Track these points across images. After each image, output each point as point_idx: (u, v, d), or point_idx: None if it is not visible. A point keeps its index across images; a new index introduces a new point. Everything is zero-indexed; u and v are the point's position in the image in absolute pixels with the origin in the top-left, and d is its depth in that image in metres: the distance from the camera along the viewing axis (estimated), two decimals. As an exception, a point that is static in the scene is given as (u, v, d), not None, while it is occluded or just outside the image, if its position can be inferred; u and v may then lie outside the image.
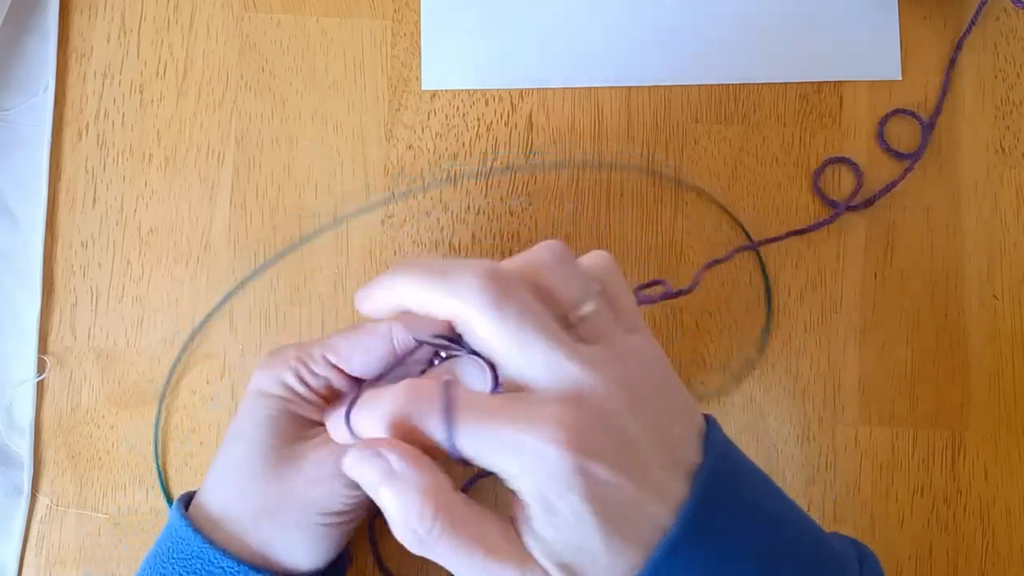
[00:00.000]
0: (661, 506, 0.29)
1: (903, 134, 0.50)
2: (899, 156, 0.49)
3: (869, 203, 0.49)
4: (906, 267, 0.49)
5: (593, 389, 0.28)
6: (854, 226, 0.49)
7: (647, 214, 0.49)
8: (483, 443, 0.28)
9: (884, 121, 0.50)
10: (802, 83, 0.50)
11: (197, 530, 0.35)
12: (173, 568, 0.35)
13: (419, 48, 0.50)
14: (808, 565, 0.31)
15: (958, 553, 0.48)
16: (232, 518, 0.36)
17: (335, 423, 0.34)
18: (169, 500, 0.47)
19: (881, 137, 0.50)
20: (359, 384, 0.38)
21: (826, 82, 0.50)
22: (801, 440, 0.48)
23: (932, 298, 0.49)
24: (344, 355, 0.37)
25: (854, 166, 0.49)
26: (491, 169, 0.50)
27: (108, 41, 0.50)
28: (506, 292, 0.28)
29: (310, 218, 0.49)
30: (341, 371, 0.37)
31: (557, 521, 0.28)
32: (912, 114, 0.50)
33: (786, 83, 0.50)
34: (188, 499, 0.38)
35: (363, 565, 0.47)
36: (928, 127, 0.49)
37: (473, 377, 0.31)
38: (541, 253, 0.31)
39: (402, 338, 0.36)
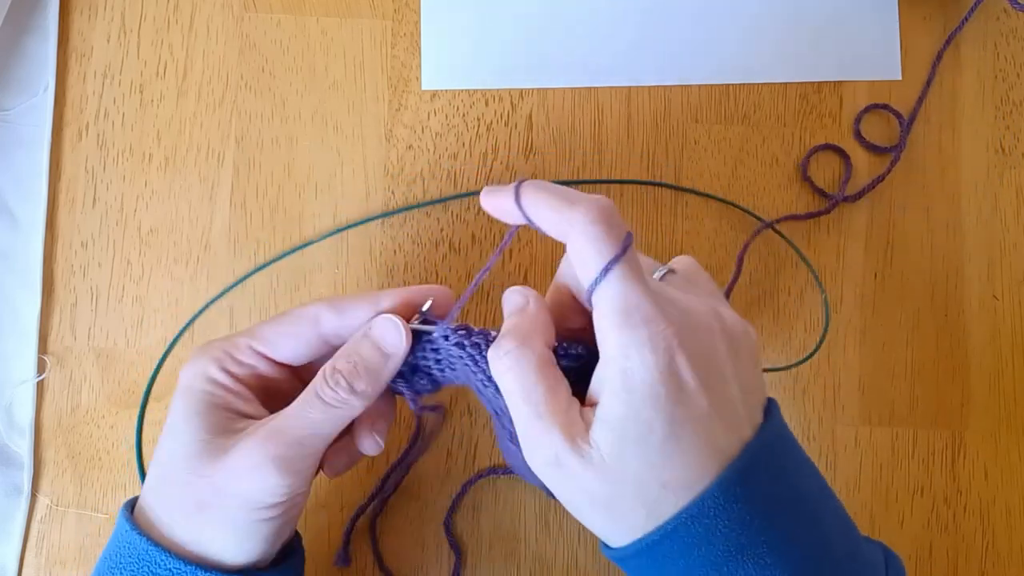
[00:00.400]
0: (728, 435, 0.31)
1: (894, 131, 0.50)
2: (879, 150, 0.50)
3: (861, 195, 0.49)
4: (906, 267, 0.49)
5: (692, 311, 0.32)
6: (854, 227, 0.49)
7: (647, 214, 0.49)
8: (620, 288, 0.31)
9: (859, 118, 0.50)
10: (802, 83, 0.50)
11: (142, 532, 0.35)
12: (116, 565, 0.35)
13: (419, 48, 0.50)
14: (847, 543, 0.34)
15: (958, 553, 0.48)
16: (166, 514, 0.35)
17: (507, 199, 0.34)
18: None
19: (859, 133, 0.50)
20: (288, 371, 0.38)
21: (826, 82, 0.50)
22: (801, 440, 0.48)
23: (932, 298, 0.49)
24: (271, 341, 0.37)
25: (844, 155, 0.49)
26: (491, 169, 0.50)
27: (108, 41, 0.50)
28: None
29: (310, 218, 0.49)
30: (268, 358, 0.37)
31: (628, 410, 0.30)
32: (889, 109, 0.50)
33: (786, 83, 0.50)
34: (134, 503, 0.38)
35: (364, 565, 0.47)
36: (908, 121, 0.49)
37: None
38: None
39: (331, 323, 0.37)
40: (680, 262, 0.36)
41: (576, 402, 0.32)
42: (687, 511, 0.30)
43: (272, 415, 0.36)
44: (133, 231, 0.49)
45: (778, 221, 0.49)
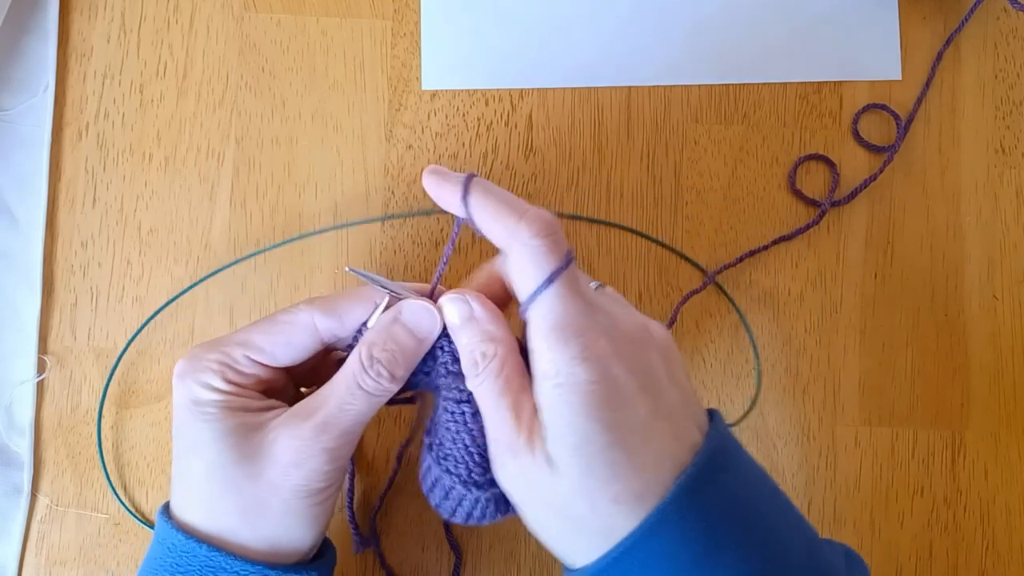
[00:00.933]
0: (677, 441, 0.31)
1: (894, 130, 0.50)
2: (877, 150, 0.50)
3: (852, 197, 0.49)
4: (906, 267, 0.49)
5: (625, 323, 0.33)
6: (854, 227, 0.49)
7: (647, 214, 0.49)
8: (536, 322, 0.32)
9: (857, 118, 0.50)
10: (802, 83, 0.50)
11: (203, 541, 0.35)
12: None
13: (419, 48, 0.50)
14: (802, 547, 0.33)
15: (958, 553, 0.48)
16: (226, 526, 0.35)
17: (455, 196, 0.34)
18: (114, 490, 0.47)
19: (857, 133, 0.50)
20: (286, 373, 0.38)
21: (826, 82, 0.50)
22: (801, 440, 0.48)
23: (932, 298, 0.49)
24: (269, 352, 0.37)
25: (830, 163, 0.49)
26: (491, 169, 0.50)
27: (108, 41, 0.50)
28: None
29: (310, 218, 0.49)
30: (265, 365, 0.37)
31: (567, 415, 0.31)
32: (887, 109, 0.50)
33: (786, 83, 0.50)
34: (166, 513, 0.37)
35: (364, 563, 0.47)
36: (906, 122, 0.49)
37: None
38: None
39: (328, 328, 0.37)
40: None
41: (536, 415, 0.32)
42: (644, 525, 0.30)
43: (303, 401, 0.36)
44: (133, 231, 0.49)
45: (768, 246, 0.49)
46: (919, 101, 0.50)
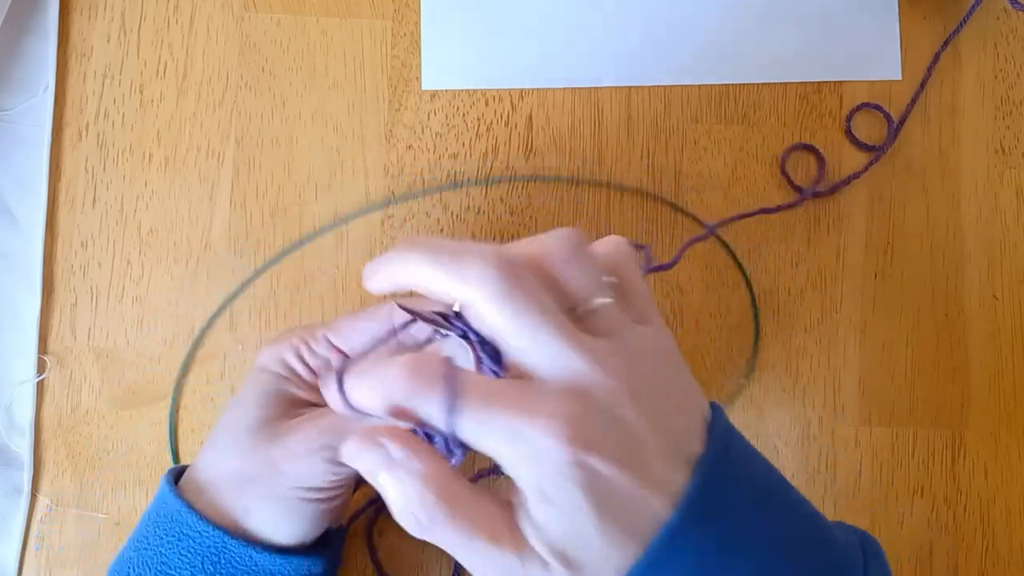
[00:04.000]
0: (661, 498, 0.28)
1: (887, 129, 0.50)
2: (869, 149, 0.50)
3: (833, 191, 0.49)
4: (906, 267, 0.49)
5: (596, 383, 0.28)
6: (854, 227, 0.49)
7: (647, 214, 0.49)
8: (483, 429, 0.27)
9: (850, 116, 0.50)
10: (802, 83, 0.50)
11: (179, 495, 0.36)
12: (154, 531, 0.36)
13: (419, 48, 0.50)
14: (811, 553, 0.31)
15: (958, 553, 0.48)
16: (214, 483, 0.36)
17: (330, 389, 0.29)
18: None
19: (850, 131, 0.50)
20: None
21: (826, 82, 0.50)
22: (801, 440, 0.48)
23: (932, 298, 0.49)
24: (345, 335, 0.38)
25: (817, 154, 0.49)
26: (491, 169, 0.50)
27: (108, 41, 0.50)
28: (515, 281, 0.27)
29: (310, 218, 0.49)
30: (341, 351, 0.38)
31: (553, 511, 0.27)
32: (879, 108, 0.50)
33: (786, 83, 0.50)
34: (181, 471, 0.39)
35: (364, 565, 0.47)
36: (899, 121, 0.49)
37: (461, 356, 0.29)
38: (554, 241, 0.30)
39: (401, 319, 0.37)
40: (613, 255, 0.32)
41: (510, 514, 0.28)
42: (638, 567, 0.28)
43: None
44: (133, 231, 0.49)
45: (744, 216, 0.49)
46: (913, 101, 0.50)
